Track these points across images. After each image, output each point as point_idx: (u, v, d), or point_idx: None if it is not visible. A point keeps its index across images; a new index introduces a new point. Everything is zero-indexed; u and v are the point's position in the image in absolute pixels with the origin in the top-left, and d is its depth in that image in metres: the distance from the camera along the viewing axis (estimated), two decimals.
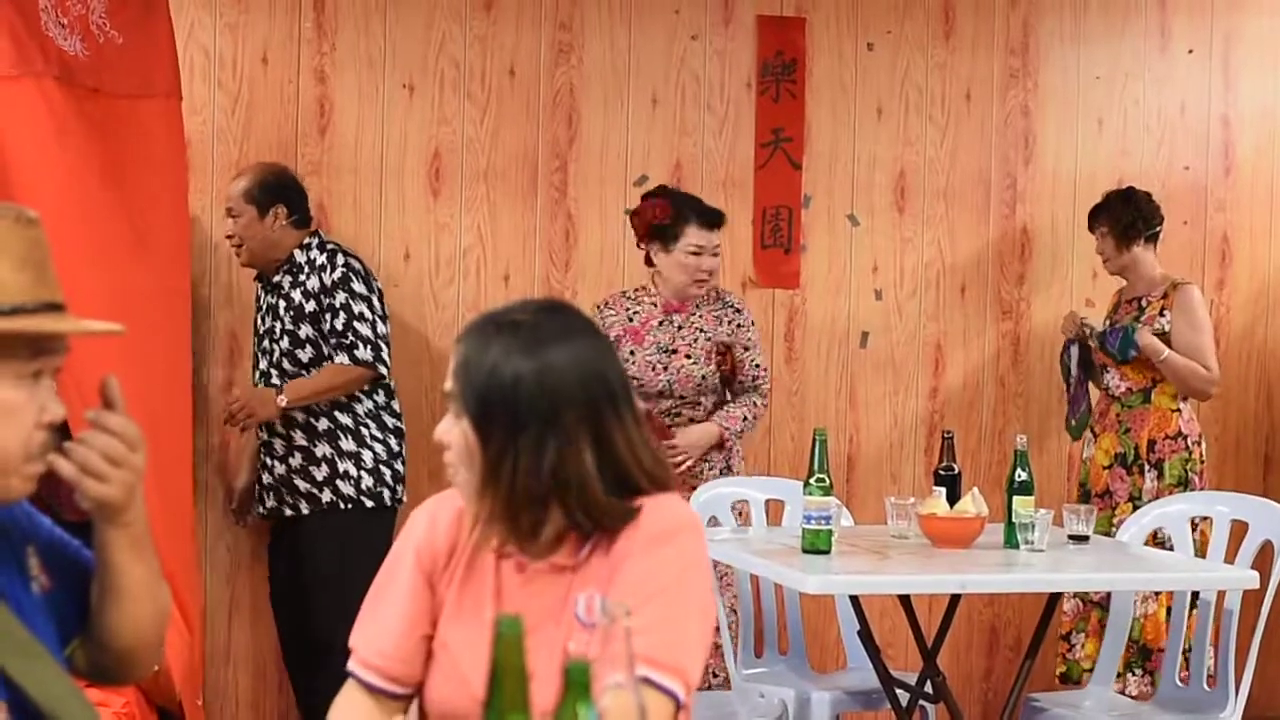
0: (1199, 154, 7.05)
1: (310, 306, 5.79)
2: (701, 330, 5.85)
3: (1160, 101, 7.01)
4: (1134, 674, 6.15)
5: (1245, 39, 7.07)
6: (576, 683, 2.03)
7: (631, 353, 5.80)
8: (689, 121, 6.56)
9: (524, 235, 6.43)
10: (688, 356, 5.82)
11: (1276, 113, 7.12)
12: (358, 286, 5.81)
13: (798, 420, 6.59)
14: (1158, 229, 6.46)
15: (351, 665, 2.68)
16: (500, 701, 2.09)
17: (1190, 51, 7.03)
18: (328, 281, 5.79)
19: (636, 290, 5.96)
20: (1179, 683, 5.30)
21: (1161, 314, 6.36)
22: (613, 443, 2.58)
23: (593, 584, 2.56)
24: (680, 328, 5.85)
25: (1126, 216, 6.41)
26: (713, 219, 5.80)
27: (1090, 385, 6.51)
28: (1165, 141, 7.01)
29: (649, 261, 5.89)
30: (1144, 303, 6.41)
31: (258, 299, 5.99)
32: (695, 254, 5.75)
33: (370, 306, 5.81)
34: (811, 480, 4.69)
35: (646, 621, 2.39)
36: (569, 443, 2.54)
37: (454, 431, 2.57)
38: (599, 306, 5.92)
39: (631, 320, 5.86)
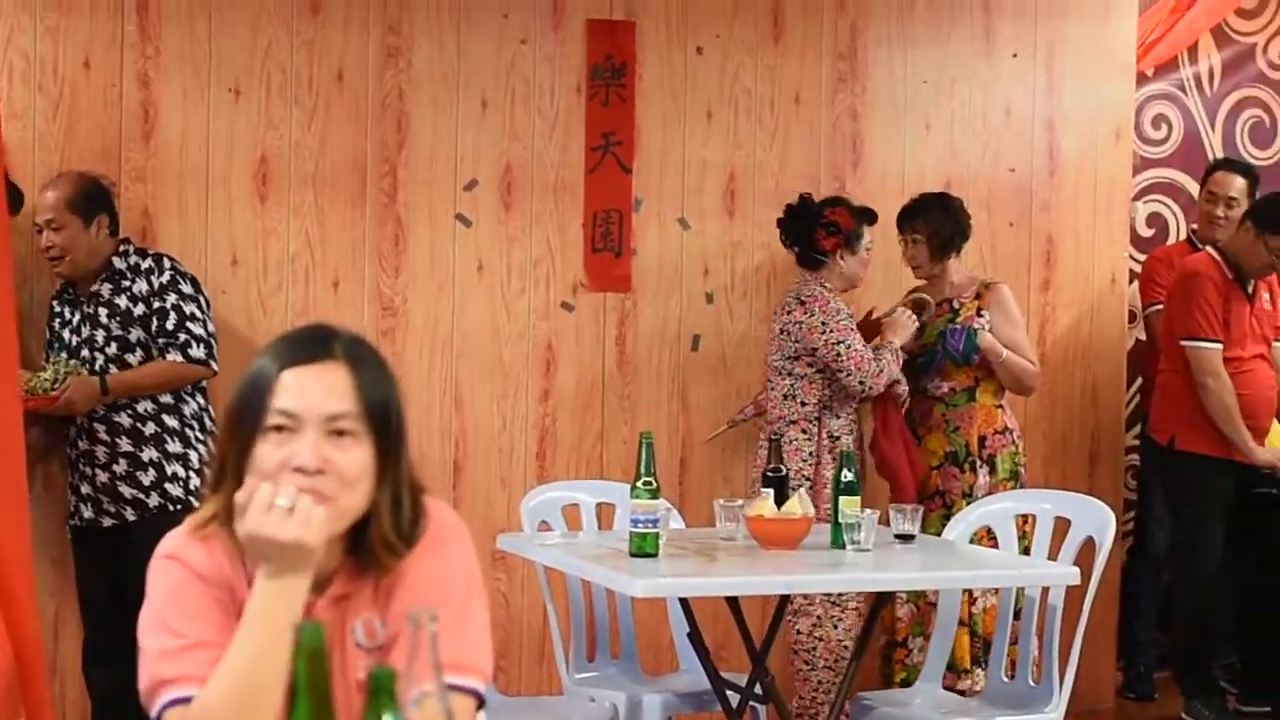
0: (1024, 156, 7.15)
1: (139, 310, 5.77)
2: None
3: (986, 105, 7.10)
4: (981, 668, 6.22)
5: (1068, 44, 7.17)
6: (382, 690, 2.02)
7: None
8: (519, 125, 6.55)
9: (353, 241, 6.38)
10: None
11: (1099, 116, 7.23)
12: (186, 288, 5.84)
13: (629, 424, 6.60)
14: (969, 237, 6.57)
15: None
16: (305, 714, 2.07)
17: (1015, 56, 7.12)
18: (156, 284, 5.80)
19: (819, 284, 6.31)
20: (1005, 678, 5.38)
21: (979, 314, 6.44)
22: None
23: (367, 607, 2.55)
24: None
25: (946, 229, 6.48)
26: (875, 218, 6.45)
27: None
28: (991, 144, 7.10)
29: (811, 263, 6.31)
30: (956, 305, 6.49)
31: (58, 312, 5.90)
32: (868, 250, 6.40)
33: (199, 307, 5.86)
34: (639, 484, 4.69)
35: (441, 625, 2.39)
36: (408, 458, 2.60)
37: (349, 455, 2.51)
38: (826, 297, 6.25)
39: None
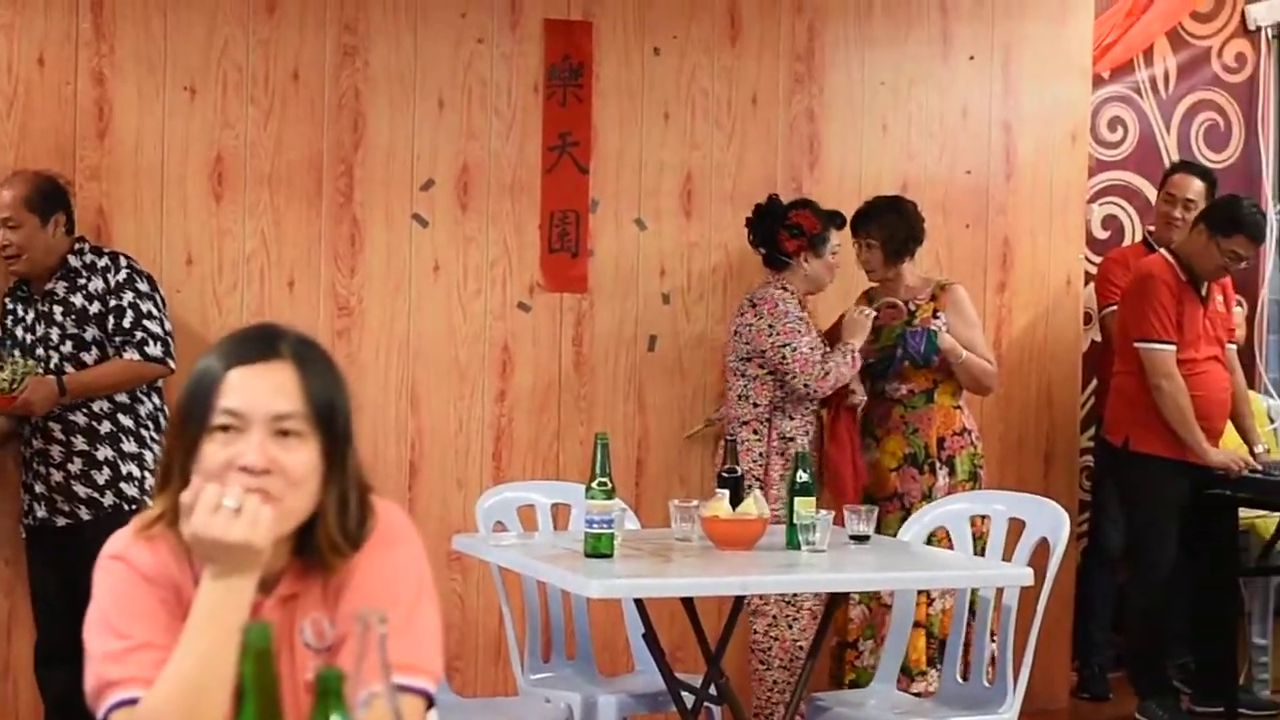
0: (981, 158, 7.17)
1: (95, 309, 5.75)
2: (815, 326, 6.42)
3: (943, 107, 7.12)
4: (937, 669, 6.23)
5: (1024, 46, 7.20)
6: (329, 691, 2.01)
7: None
8: (476, 125, 6.54)
9: (309, 240, 6.36)
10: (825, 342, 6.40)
11: (1055, 118, 7.26)
12: (142, 286, 5.83)
13: (586, 424, 6.60)
14: (923, 241, 6.59)
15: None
16: (252, 715, 2.07)
17: (972, 58, 7.15)
18: (112, 282, 5.78)
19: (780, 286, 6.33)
20: (960, 679, 5.39)
21: (935, 315, 6.46)
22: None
23: (315, 607, 2.54)
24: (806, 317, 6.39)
25: (900, 233, 6.50)
26: (844, 222, 6.49)
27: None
28: (948, 146, 7.12)
29: (775, 264, 6.35)
30: (911, 306, 6.51)
31: (12, 309, 5.87)
32: (835, 254, 6.40)
33: (156, 305, 5.84)
34: (593, 484, 4.69)
35: (391, 626, 2.39)
36: (355, 459, 2.59)
37: (295, 455, 2.50)
38: (776, 299, 6.28)
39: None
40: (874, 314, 6.39)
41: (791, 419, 6.27)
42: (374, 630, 2.05)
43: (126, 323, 5.76)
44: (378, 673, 2.05)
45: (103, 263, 5.81)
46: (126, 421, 5.81)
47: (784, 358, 6.21)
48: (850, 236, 6.55)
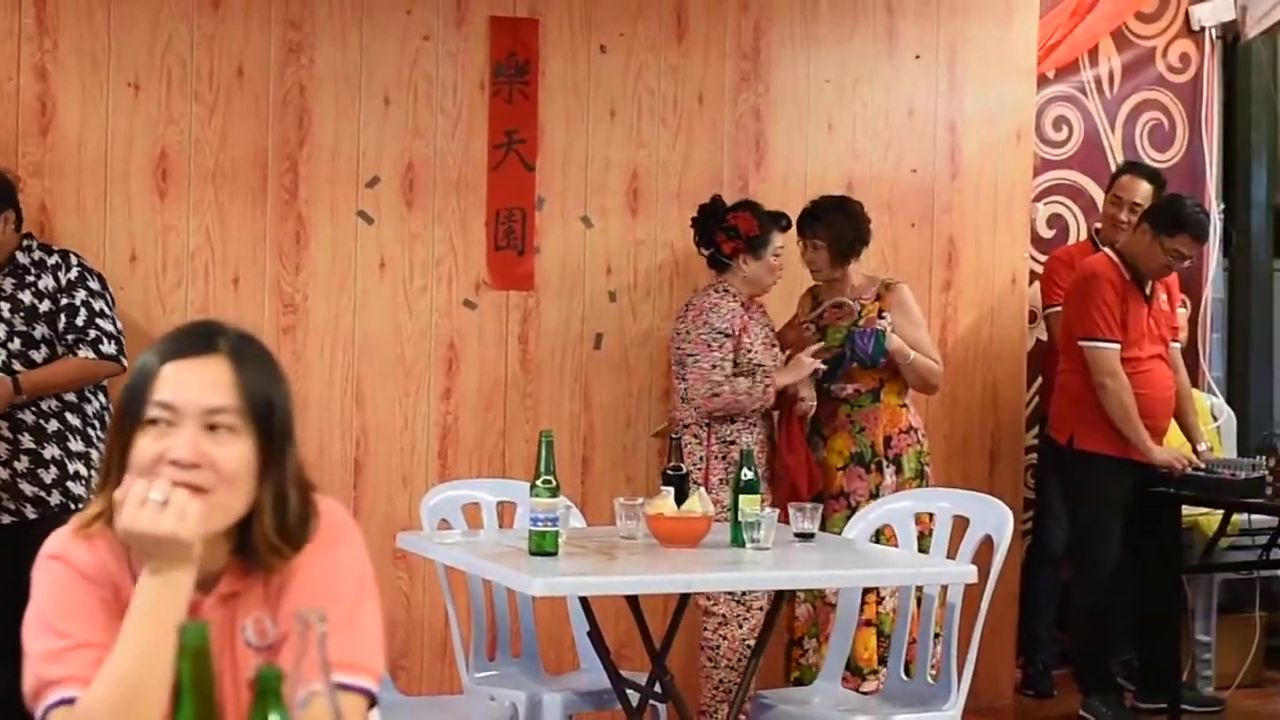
0: (926, 157, 7.19)
1: (45, 306, 5.71)
2: (767, 324, 6.43)
3: (888, 106, 7.13)
4: (885, 667, 6.24)
5: (970, 46, 7.21)
6: (268, 690, 2.00)
7: (750, 343, 6.28)
8: (421, 122, 6.52)
9: (253, 237, 6.34)
10: (773, 345, 6.41)
11: (1000, 118, 7.28)
12: (94, 284, 5.80)
13: (532, 422, 6.58)
14: (869, 242, 6.60)
15: None
16: (189, 714, 2.05)
17: (917, 57, 7.16)
18: (64, 280, 5.74)
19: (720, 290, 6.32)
20: (904, 676, 5.41)
21: (881, 315, 6.47)
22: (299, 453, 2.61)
23: (258, 605, 2.53)
24: (753, 320, 6.37)
25: (848, 234, 6.50)
26: (789, 224, 6.45)
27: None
28: (893, 145, 7.14)
29: (717, 265, 6.34)
30: (856, 306, 6.52)
31: None
32: (777, 256, 6.37)
33: (107, 303, 5.82)
34: (538, 482, 4.69)
35: (332, 625, 2.38)
36: (295, 457, 2.58)
37: (227, 450, 2.48)
38: (706, 309, 6.25)
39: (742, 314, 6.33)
40: (822, 368, 6.36)
41: (732, 423, 6.27)
42: (313, 629, 2.05)
43: (79, 321, 5.72)
44: (317, 671, 2.04)
45: (53, 260, 5.77)
46: (74, 420, 5.78)
47: (683, 364, 6.24)
48: (796, 237, 6.55)
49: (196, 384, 2.49)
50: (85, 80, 6.16)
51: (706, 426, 6.26)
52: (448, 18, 6.54)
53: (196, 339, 2.55)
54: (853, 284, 6.55)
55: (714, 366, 6.20)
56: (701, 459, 6.21)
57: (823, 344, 6.42)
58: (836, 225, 6.49)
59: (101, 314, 5.76)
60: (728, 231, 6.31)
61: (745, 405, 6.22)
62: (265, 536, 2.52)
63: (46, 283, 5.73)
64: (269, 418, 2.52)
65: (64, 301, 5.73)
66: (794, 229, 6.52)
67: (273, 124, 6.36)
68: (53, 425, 5.75)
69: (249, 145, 6.33)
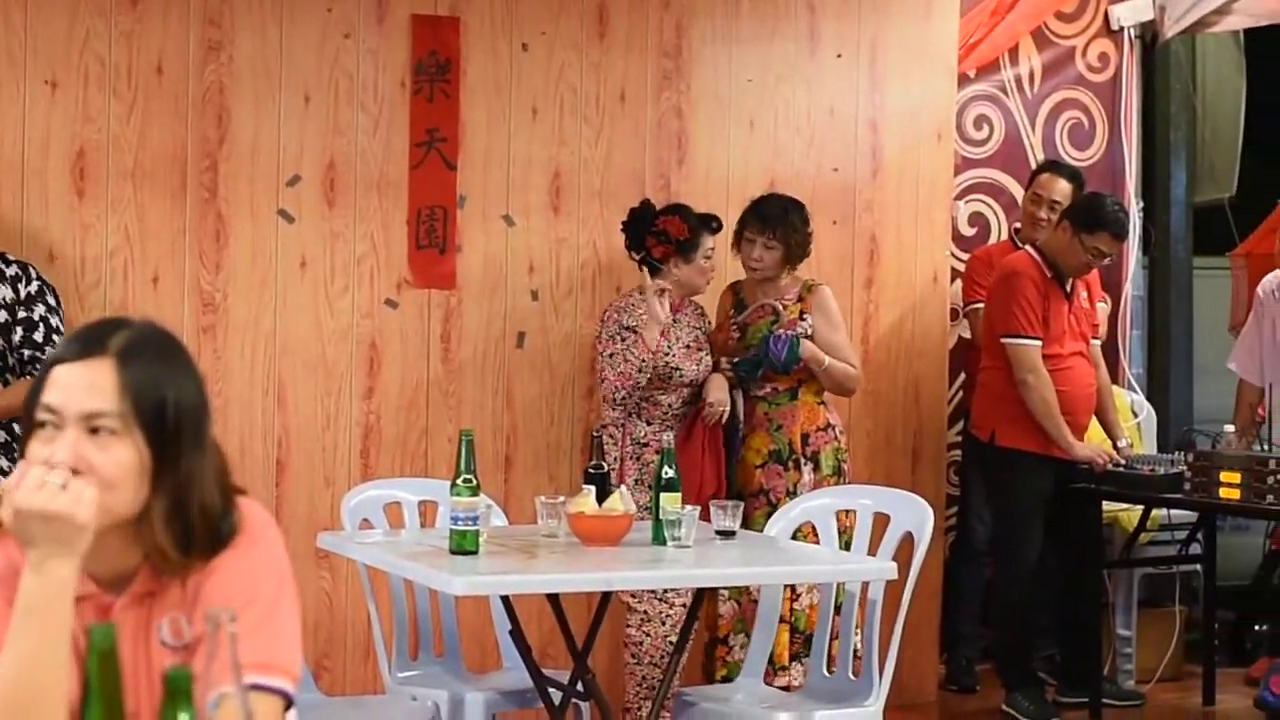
0: (848, 156, 7.21)
1: (2, 318, 5.61)
2: (696, 327, 6.44)
3: (810, 104, 7.14)
4: (800, 664, 6.26)
5: (890, 45, 7.24)
6: (178, 691, 1.99)
7: (669, 346, 6.29)
8: (342, 120, 6.49)
9: (173, 236, 6.29)
10: (700, 349, 6.41)
11: (920, 116, 7.31)
12: (51, 300, 5.74)
13: (454, 421, 6.56)
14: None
15: None
16: (97, 717, 2.04)
17: (839, 56, 7.18)
18: (23, 293, 5.66)
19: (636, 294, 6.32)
20: (826, 673, 5.43)
21: (802, 317, 6.49)
22: (218, 452, 2.58)
23: (175, 605, 2.51)
24: (677, 323, 6.37)
25: (804, 239, 6.52)
26: (719, 226, 6.46)
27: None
28: (815, 143, 7.15)
29: (650, 268, 6.30)
30: (778, 306, 6.53)
31: None
32: (708, 258, 6.39)
33: (62, 320, 5.74)
34: (458, 481, 4.68)
35: (249, 625, 2.37)
36: (211, 458, 2.56)
37: (108, 454, 2.45)
38: (619, 309, 6.31)
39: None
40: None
41: (648, 424, 6.28)
42: (224, 629, 2.04)
43: (38, 336, 5.62)
44: (229, 672, 2.03)
45: (11, 271, 5.67)
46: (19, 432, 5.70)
47: (602, 365, 6.25)
48: (738, 232, 6.55)
49: (78, 387, 2.47)
50: (2, 78, 6.10)
51: (621, 427, 6.27)
52: (369, 15, 6.52)
53: (87, 340, 2.52)
54: (779, 283, 6.57)
55: (627, 361, 6.20)
56: (616, 459, 6.22)
57: (733, 363, 6.44)
58: (796, 229, 6.50)
59: (59, 330, 5.66)
60: (658, 236, 6.31)
61: (639, 380, 6.22)
62: (155, 544, 2.50)
63: (4, 293, 5.64)
64: (161, 421, 2.49)
65: (22, 314, 5.62)
66: (733, 227, 6.54)
67: (192, 122, 6.31)
68: (1, 436, 5.70)
69: (168, 143, 6.28)
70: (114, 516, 2.47)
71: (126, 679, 2.22)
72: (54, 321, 5.68)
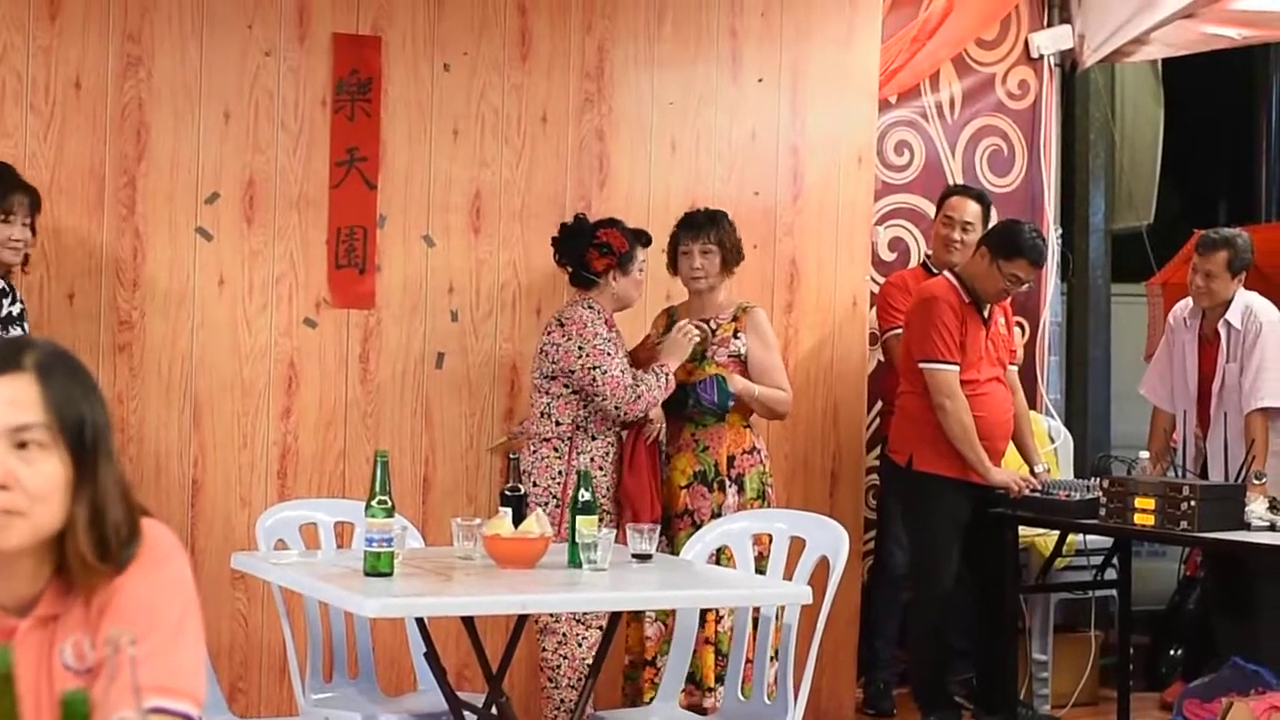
0: (768, 180, 7.23)
1: None
2: (622, 345, 6.43)
3: (731, 128, 7.17)
4: (723, 686, 6.25)
5: (812, 70, 7.27)
6: (75, 714, 1.97)
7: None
8: (262, 138, 6.46)
9: (89, 253, 6.24)
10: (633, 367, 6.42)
11: (841, 141, 7.34)
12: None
13: (372, 442, 6.54)
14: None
15: None
16: None
17: (760, 80, 7.21)
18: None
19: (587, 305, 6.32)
20: (741, 695, 5.42)
21: (736, 336, 6.51)
22: (121, 471, 2.56)
23: (78, 628, 2.49)
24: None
25: (732, 238, 6.56)
26: (649, 241, 6.51)
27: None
28: (736, 167, 7.17)
29: (582, 283, 6.34)
30: (714, 325, 6.55)
31: None
32: (641, 271, 6.45)
33: None
34: (373, 502, 4.66)
35: (153, 648, 2.36)
36: (119, 472, 2.54)
37: (35, 468, 2.44)
38: (592, 321, 6.26)
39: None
40: (696, 335, 6.41)
41: (594, 439, 6.28)
42: (124, 651, 2.02)
43: None
44: (129, 695, 2.01)
45: None
46: None
47: (594, 380, 6.21)
48: (672, 249, 6.58)
49: (1, 403, 2.45)
50: None
51: (568, 441, 6.26)
52: (290, 33, 6.49)
53: (2, 358, 2.51)
54: (718, 300, 6.59)
55: (623, 371, 6.22)
56: (561, 473, 6.21)
57: (696, 332, 6.44)
58: (728, 231, 6.55)
59: None
60: (600, 248, 6.31)
61: (659, 399, 6.28)
62: (79, 554, 2.48)
63: None
64: (80, 434, 2.48)
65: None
66: (663, 248, 6.56)
67: (110, 138, 6.27)
68: None
69: (86, 159, 6.24)
70: (41, 532, 2.45)
71: (27, 703, 2.20)
72: None
